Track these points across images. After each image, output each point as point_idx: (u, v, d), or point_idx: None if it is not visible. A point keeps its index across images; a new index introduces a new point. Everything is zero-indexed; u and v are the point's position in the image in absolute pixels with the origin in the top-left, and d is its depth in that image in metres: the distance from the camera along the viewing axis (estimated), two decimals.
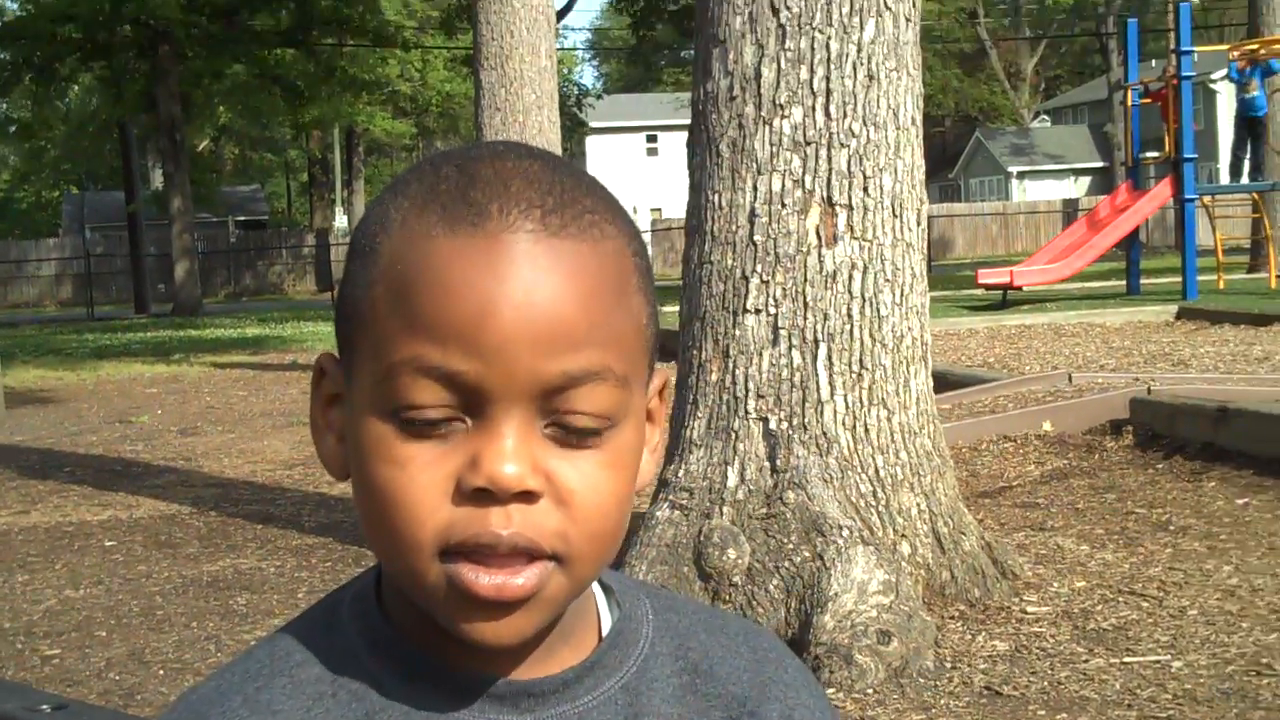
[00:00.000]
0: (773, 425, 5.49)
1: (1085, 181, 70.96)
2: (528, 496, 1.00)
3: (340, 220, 61.00)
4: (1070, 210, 55.41)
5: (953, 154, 78.48)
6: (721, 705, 1.16)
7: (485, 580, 1.00)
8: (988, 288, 23.81)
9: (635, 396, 1.06)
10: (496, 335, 0.99)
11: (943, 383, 9.27)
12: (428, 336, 1.00)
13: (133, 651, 5.83)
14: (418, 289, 1.01)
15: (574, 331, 1.01)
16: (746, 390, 5.53)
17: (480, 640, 1.03)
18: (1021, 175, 72.11)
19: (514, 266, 1.00)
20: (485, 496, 1.00)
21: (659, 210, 64.73)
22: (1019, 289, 23.27)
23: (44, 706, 4.51)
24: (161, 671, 5.50)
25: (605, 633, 1.15)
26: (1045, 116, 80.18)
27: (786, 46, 5.56)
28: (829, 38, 5.56)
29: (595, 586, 1.17)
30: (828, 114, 5.57)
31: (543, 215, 1.02)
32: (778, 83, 5.57)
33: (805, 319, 5.53)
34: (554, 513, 1.01)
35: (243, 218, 66.39)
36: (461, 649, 1.06)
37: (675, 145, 64.49)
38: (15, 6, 42.36)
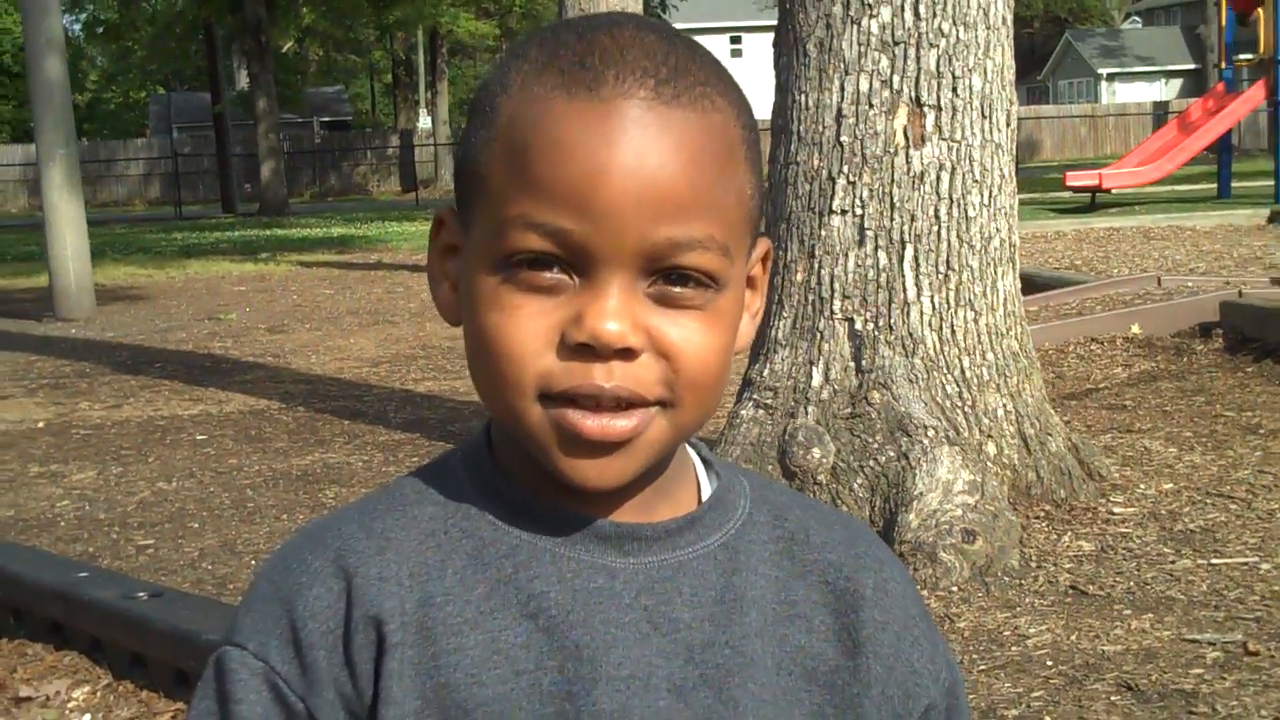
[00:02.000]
0: (858, 326, 5.48)
1: (1176, 84, 69.77)
2: (628, 353, 1.05)
3: (424, 121, 60.94)
4: (1160, 113, 54.46)
5: (1041, 55, 77.28)
6: (818, 570, 1.19)
7: (590, 421, 1.05)
8: (1076, 190, 23.58)
9: (736, 264, 1.10)
10: (605, 198, 1.03)
11: (1029, 285, 9.18)
12: (539, 195, 1.04)
13: (224, 542, 5.94)
14: (532, 149, 1.05)
15: (680, 199, 1.04)
16: (832, 291, 5.52)
17: (583, 480, 1.08)
18: (1111, 77, 70.98)
19: (626, 132, 1.03)
20: (587, 351, 1.04)
21: None
22: (1108, 191, 23.04)
23: (140, 594, 4.62)
24: (253, 561, 5.60)
25: (705, 498, 1.19)
26: (1136, 18, 78.79)
27: None
28: None
29: (696, 458, 1.21)
30: (916, 13, 5.50)
31: (656, 84, 1.05)
32: None
33: (892, 220, 5.50)
34: (655, 366, 1.06)
35: (327, 118, 66.57)
36: (566, 494, 1.11)
37: (759, 46, 63.93)
38: None
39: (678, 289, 1.06)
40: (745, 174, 1.10)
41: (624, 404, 1.05)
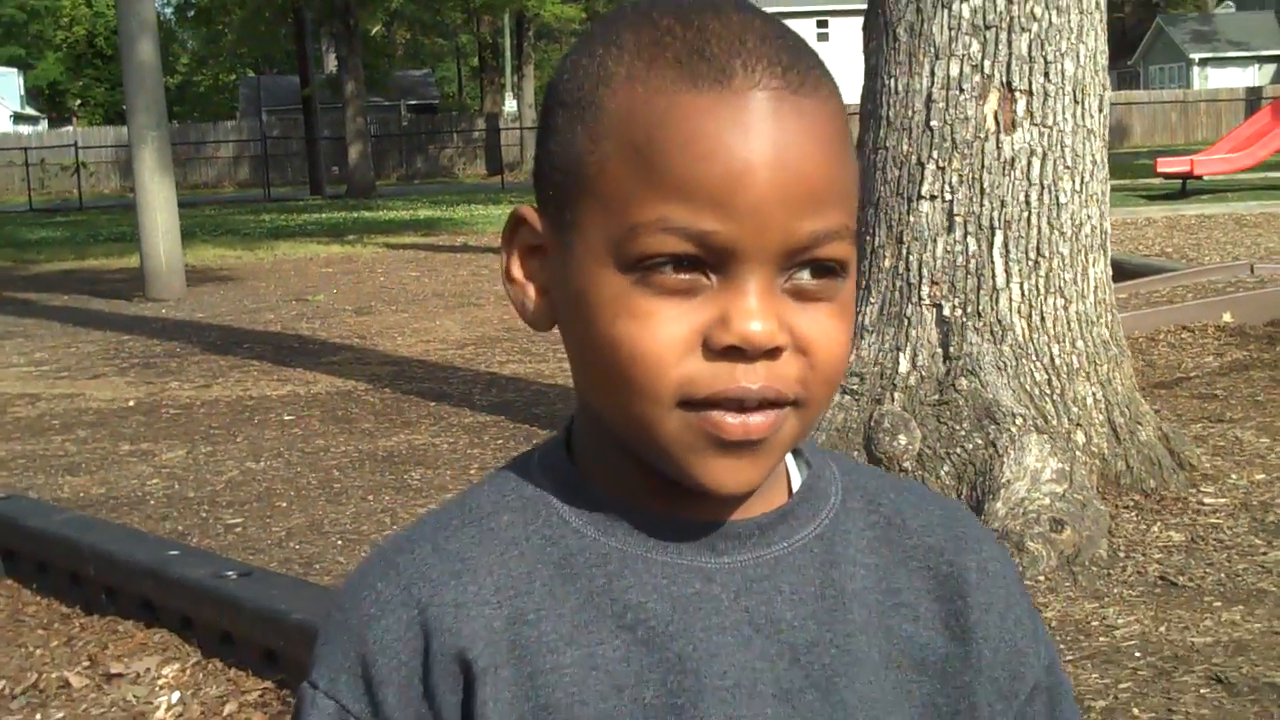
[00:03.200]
0: (946, 312, 5.44)
1: (1270, 69, 68.78)
2: (773, 352, 1.01)
3: (510, 105, 61.14)
4: (1253, 99, 53.72)
5: (1132, 40, 76.42)
6: (919, 555, 1.16)
7: (732, 420, 1.01)
8: (1167, 176, 23.30)
9: (854, 250, 1.06)
10: (751, 197, 0.98)
11: (1120, 272, 9.09)
12: (677, 197, 0.99)
13: (312, 522, 5.99)
14: (663, 148, 0.99)
15: (820, 190, 1.00)
16: (920, 277, 5.49)
17: (716, 484, 1.03)
18: (1203, 62, 70.07)
19: (764, 125, 0.99)
20: (735, 353, 1.00)
21: None
22: (1199, 178, 22.76)
23: (230, 573, 4.67)
24: (340, 542, 5.64)
25: (795, 488, 1.15)
26: (1230, 2, 77.69)
27: None
28: None
29: None
30: None
31: (783, 72, 1.01)
32: None
33: (981, 206, 5.46)
34: (794, 363, 1.02)
35: (414, 102, 66.92)
36: (652, 495, 1.07)
37: (847, 30, 63.61)
38: None
39: (815, 282, 1.02)
40: (852, 155, 1.06)
41: (767, 404, 1.02)
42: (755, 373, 1.00)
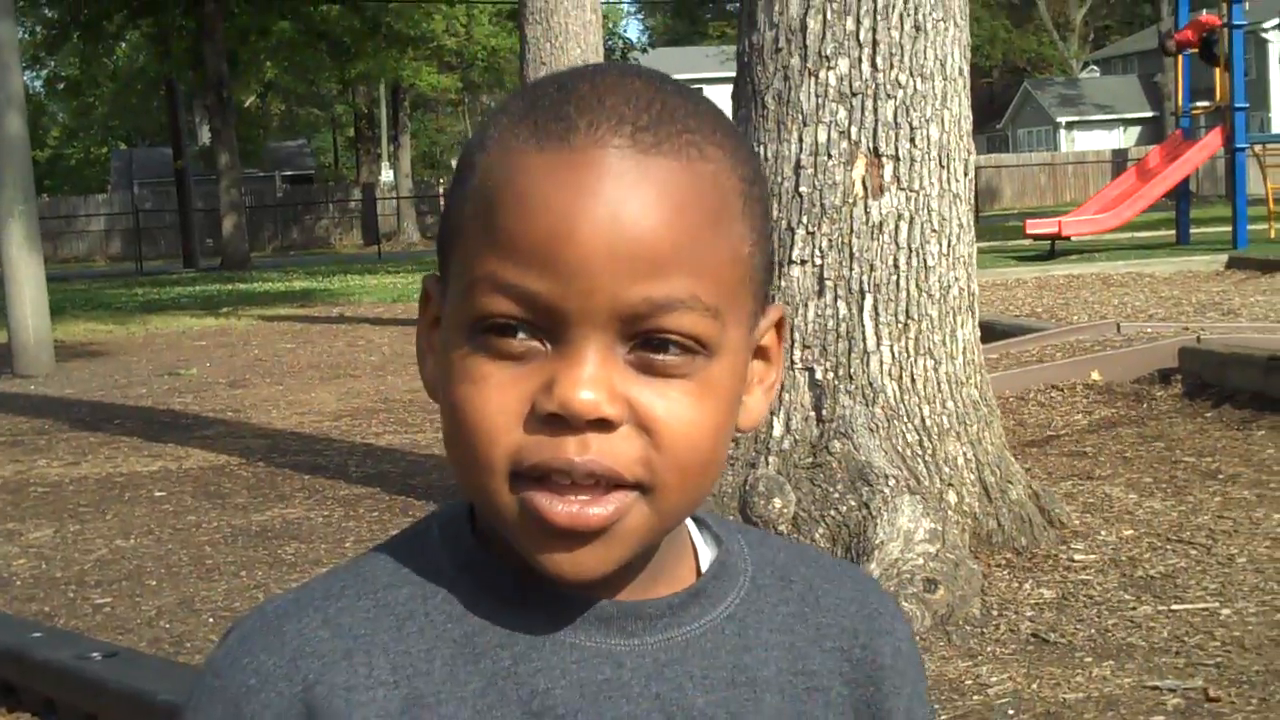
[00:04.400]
0: (818, 375, 5.48)
1: (1135, 131, 70.32)
2: (604, 424, 0.96)
3: (386, 175, 61.03)
4: (1119, 160, 54.91)
5: (1000, 105, 77.84)
6: (833, 635, 1.13)
7: (560, 508, 0.96)
8: (1036, 238, 23.73)
9: (731, 329, 1.00)
10: (574, 255, 0.94)
11: (990, 332, 9.24)
12: (506, 254, 0.96)
13: (183, 600, 5.88)
14: (500, 204, 0.97)
15: (659, 255, 0.95)
16: (792, 340, 5.52)
17: (558, 573, 0.99)
18: (1070, 125, 71.52)
19: (598, 183, 0.95)
20: (559, 423, 0.95)
21: None
22: (1067, 239, 23.20)
23: (95, 654, 4.57)
24: (211, 619, 5.55)
25: (703, 565, 1.11)
26: (1094, 67, 79.43)
27: None
28: None
29: (689, 522, 1.12)
30: (874, 65, 5.53)
31: (634, 131, 0.97)
32: (824, 34, 5.54)
33: (851, 270, 5.52)
34: (636, 440, 0.97)
35: (289, 172, 66.62)
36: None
37: (721, 98, 63.69)
38: None
39: (660, 356, 0.96)
40: (742, 230, 1.00)
41: (600, 483, 0.96)
42: (583, 445, 0.95)
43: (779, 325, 1.09)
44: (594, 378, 0.95)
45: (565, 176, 0.95)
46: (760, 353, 1.08)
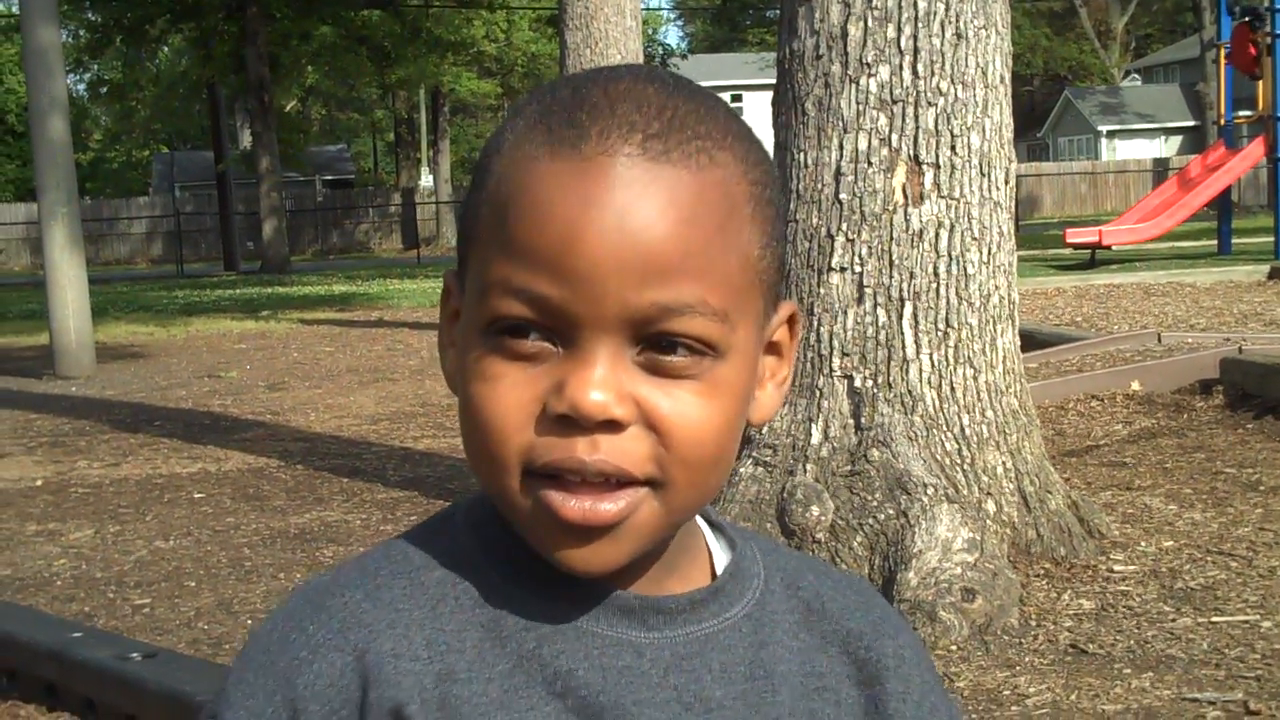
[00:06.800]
0: (857, 383, 5.47)
1: (1176, 141, 70.04)
2: (613, 425, 0.98)
3: (425, 179, 61.22)
4: (1160, 169, 54.63)
5: (1041, 113, 77.65)
6: (839, 640, 1.15)
7: (572, 504, 0.99)
8: (1076, 247, 23.62)
9: (740, 330, 1.03)
10: (583, 261, 0.97)
11: (1030, 342, 9.19)
12: (519, 259, 0.99)
13: (221, 601, 5.91)
14: (513, 210, 1.00)
15: (666, 262, 0.98)
16: (831, 348, 5.52)
17: (570, 566, 1.02)
18: (1111, 134, 71.28)
19: (607, 191, 0.97)
20: (569, 423, 0.98)
21: None
22: (1108, 248, 23.08)
23: (134, 655, 4.59)
24: (249, 621, 5.57)
25: (718, 567, 1.14)
26: (1136, 75, 79.11)
27: (873, 4, 5.51)
28: None
29: (705, 525, 1.15)
30: (915, 72, 5.52)
31: (644, 139, 0.99)
32: (864, 41, 5.53)
33: (891, 277, 5.51)
34: (645, 439, 0.99)
35: (330, 177, 66.90)
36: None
37: (760, 105, 64.22)
38: None
39: (668, 357, 0.99)
40: (752, 234, 1.03)
41: (611, 481, 0.99)
42: (593, 445, 0.98)
43: (791, 320, 1.11)
44: (603, 380, 0.98)
45: (575, 185, 0.98)
46: (772, 348, 1.10)
